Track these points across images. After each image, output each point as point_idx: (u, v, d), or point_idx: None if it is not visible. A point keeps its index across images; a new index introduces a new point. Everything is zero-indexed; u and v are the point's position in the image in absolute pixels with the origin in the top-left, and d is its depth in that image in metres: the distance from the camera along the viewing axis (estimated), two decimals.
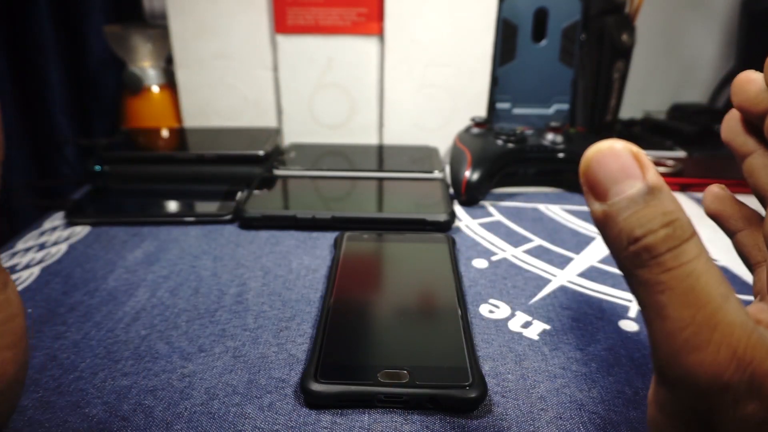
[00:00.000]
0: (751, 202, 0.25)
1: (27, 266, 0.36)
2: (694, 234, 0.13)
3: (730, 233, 0.23)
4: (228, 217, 0.42)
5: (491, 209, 0.46)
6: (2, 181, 0.21)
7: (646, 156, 0.14)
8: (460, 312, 0.29)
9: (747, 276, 0.36)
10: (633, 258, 0.13)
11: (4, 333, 0.17)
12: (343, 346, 0.26)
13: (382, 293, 0.31)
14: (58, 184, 0.74)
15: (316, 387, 0.24)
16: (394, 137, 0.57)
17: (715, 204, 0.23)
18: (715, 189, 0.22)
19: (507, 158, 0.47)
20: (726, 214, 0.23)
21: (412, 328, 0.28)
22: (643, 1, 0.57)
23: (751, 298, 0.33)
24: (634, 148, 0.14)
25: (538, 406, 0.24)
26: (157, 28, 0.57)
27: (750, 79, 0.19)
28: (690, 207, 0.47)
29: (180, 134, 0.56)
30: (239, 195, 0.45)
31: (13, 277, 0.35)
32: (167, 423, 0.23)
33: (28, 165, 0.73)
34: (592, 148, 0.14)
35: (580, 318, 0.31)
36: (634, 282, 0.14)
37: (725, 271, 0.36)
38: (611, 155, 0.14)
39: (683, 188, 0.50)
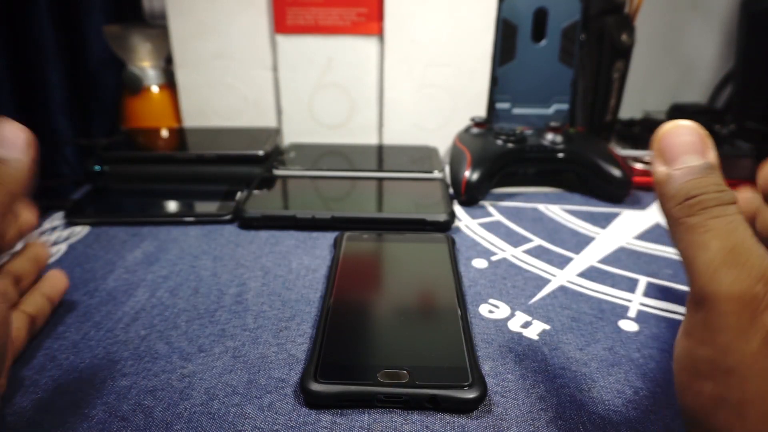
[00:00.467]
0: None
1: None
2: (736, 200, 0.17)
3: None
4: (228, 217, 0.42)
5: (491, 209, 0.46)
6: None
7: (710, 139, 0.18)
8: (459, 312, 0.29)
9: None
10: (687, 209, 0.17)
11: None
12: (343, 346, 0.26)
13: (382, 293, 0.31)
14: (58, 184, 0.74)
15: (316, 387, 0.24)
16: (394, 137, 0.57)
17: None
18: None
19: (507, 158, 0.47)
20: None
21: (412, 328, 0.28)
22: (643, 1, 0.57)
23: None
24: (704, 131, 0.18)
25: (538, 406, 0.24)
26: (157, 28, 0.57)
27: None
28: None
29: (180, 134, 0.56)
30: (239, 195, 0.45)
31: None
32: (167, 423, 0.23)
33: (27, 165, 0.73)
34: (670, 122, 0.18)
35: (580, 318, 0.31)
36: (681, 228, 0.17)
37: None
38: (686, 131, 0.18)
39: None
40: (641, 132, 0.67)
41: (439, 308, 0.30)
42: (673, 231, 0.18)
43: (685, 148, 0.17)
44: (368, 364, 0.25)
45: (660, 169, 0.18)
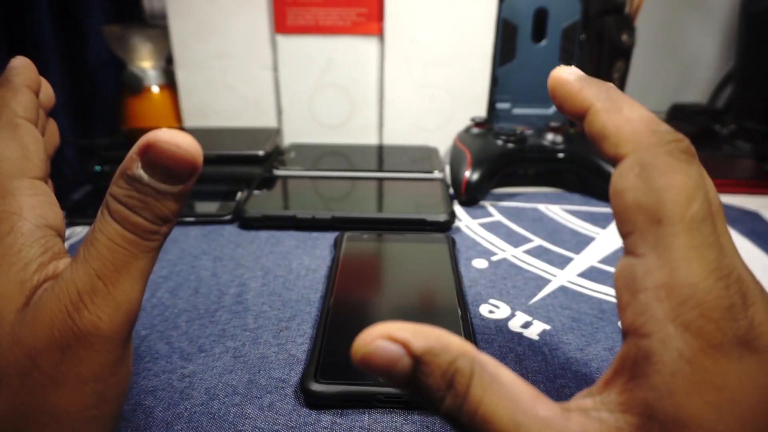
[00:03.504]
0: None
1: None
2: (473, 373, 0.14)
3: None
4: (228, 217, 0.42)
5: (491, 209, 0.46)
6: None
7: (403, 331, 0.15)
8: (460, 312, 0.29)
9: None
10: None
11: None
12: (343, 346, 0.26)
13: (382, 293, 0.31)
14: (58, 184, 0.74)
15: (316, 387, 0.24)
16: (394, 137, 0.57)
17: None
18: None
19: (507, 158, 0.47)
20: None
21: None
22: (643, 1, 0.57)
23: None
24: (390, 334, 0.15)
25: None
26: (157, 28, 0.57)
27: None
28: None
29: None
30: (239, 195, 0.45)
31: None
32: (167, 423, 0.23)
33: None
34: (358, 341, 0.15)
35: (580, 318, 0.31)
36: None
37: None
38: (371, 356, 0.15)
39: None
40: None
41: (439, 308, 0.30)
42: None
43: (385, 366, 0.15)
44: None
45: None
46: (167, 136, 0.16)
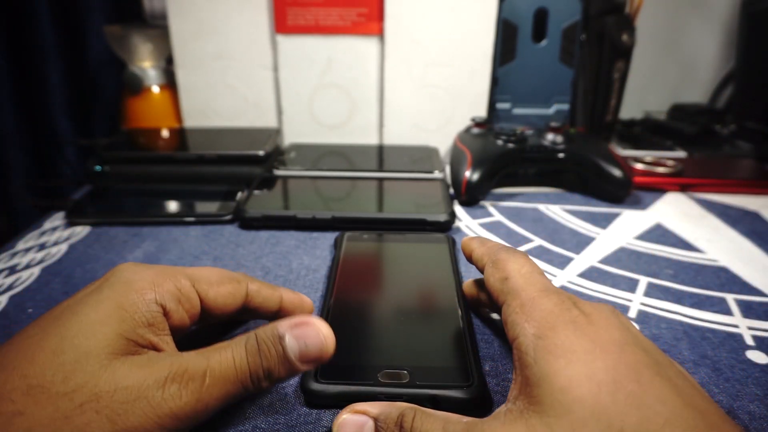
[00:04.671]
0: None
1: (27, 266, 0.36)
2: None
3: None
4: (228, 217, 0.42)
5: (491, 209, 0.46)
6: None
7: (362, 405, 0.21)
8: (460, 312, 0.29)
9: (748, 276, 0.36)
10: None
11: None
12: (344, 346, 0.26)
13: (383, 293, 0.31)
14: (58, 184, 0.74)
15: (317, 387, 0.24)
16: (394, 137, 0.57)
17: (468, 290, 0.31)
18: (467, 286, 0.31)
19: (507, 158, 0.47)
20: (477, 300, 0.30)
21: (413, 328, 0.28)
22: (643, 1, 0.57)
23: (756, 299, 0.33)
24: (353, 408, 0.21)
25: None
26: (157, 28, 0.57)
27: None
28: (690, 207, 0.47)
29: (180, 134, 0.56)
30: (239, 195, 0.45)
31: (14, 277, 0.35)
32: None
33: (28, 165, 0.73)
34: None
35: None
36: None
37: (725, 271, 0.36)
38: (344, 425, 0.21)
39: (683, 188, 0.50)
40: (642, 132, 0.67)
41: (439, 308, 0.30)
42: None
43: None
44: (369, 364, 0.25)
45: None
46: (322, 327, 0.22)
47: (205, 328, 0.28)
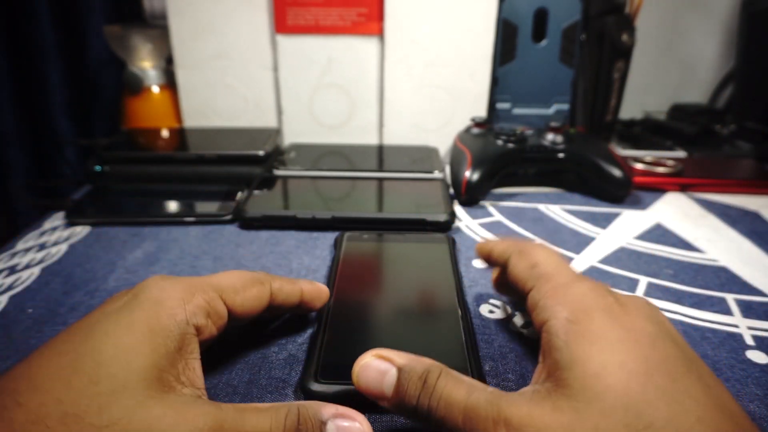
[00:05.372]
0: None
1: (27, 266, 0.36)
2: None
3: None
4: (228, 217, 0.42)
5: (491, 209, 0.46)
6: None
7: (388, 352, 0.21)
8: (460, 312, 0.29)
9: (748, 276, 0.36)
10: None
11: None
12: (344, 346, 0.26)
13: (383, 293, 0.31)
14: (58, 184, 0.74)
15: (317, 387, 0.24)
16: (394, 137, 0.57)
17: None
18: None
19: (507, 158, 0.47)
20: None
21: (413, 329, 0.28)
22: (643, 1, 0.57)
23: (756, 299, 0.33)
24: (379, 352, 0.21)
25: None
26: (157, 28, 0.57)
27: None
28: (690, 207, 0.47)
29: (180, 134, 0.56)
30: (239, 195, 0.45)
31: (13, 277, 0.35)
32: None
33: (28, 165, 0.73)
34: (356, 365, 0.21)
35: None
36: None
37: (725, 271, 0.36)
38: (371, 367, 0.21)
39: (683, 188, 0.50)
40: (642, 132, 0.67)
41: (440, 308, 0.30)
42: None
43: (375, 381, 0.21)
44: None
45: (384, 404, 0.21)
46: (364, 424, 0.20)
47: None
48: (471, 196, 0.46)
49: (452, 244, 0.37)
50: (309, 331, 0.29)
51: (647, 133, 0.67)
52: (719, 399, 0.17)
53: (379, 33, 0.53)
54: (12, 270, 0.36)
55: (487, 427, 0.18)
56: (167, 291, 0.22)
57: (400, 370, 0.20)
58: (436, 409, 0.19)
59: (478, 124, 0.51)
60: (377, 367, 0.20)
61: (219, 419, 0.19)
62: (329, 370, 0.24)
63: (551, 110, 0.58)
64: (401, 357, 0.21)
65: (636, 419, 0.16)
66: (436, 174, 0.49)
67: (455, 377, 0.20)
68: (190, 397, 0.20)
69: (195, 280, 0.23)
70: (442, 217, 0.40)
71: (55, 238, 0.40)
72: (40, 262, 0.37)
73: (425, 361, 0.20)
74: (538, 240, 0.40)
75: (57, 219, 0.43)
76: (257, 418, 0.20)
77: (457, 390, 0.19)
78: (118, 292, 0.23)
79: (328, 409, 0.21)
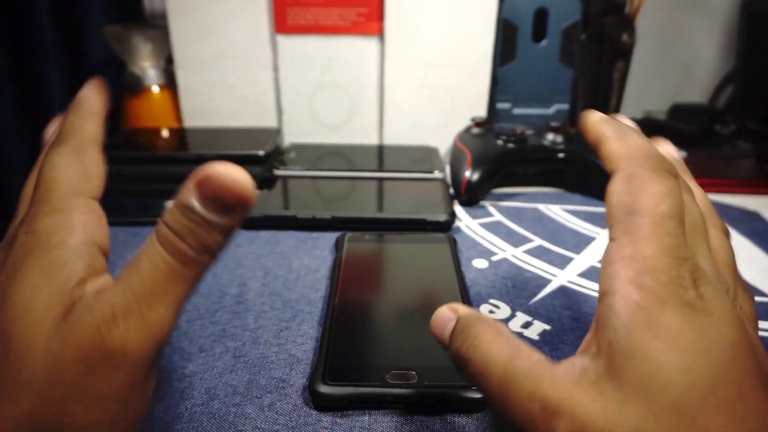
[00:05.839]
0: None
1: None
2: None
3: None
4: None
5: (491, 209, 0.46)
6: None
7: (456, 305, 0.21)
8: None
9: (748, 276, 0.36)
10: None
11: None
12: (350, 348, 0.26)
13: (387, 294, 0.31)
14: None
15: (324, 389, 0.24)
16: (394, 137, 0.57)
17: None
18: None
19: (507, 158, 0.47)
20: None
21: (418, 329, 0.28)
22: (643, 1, 0.57)
23: (756, 298, 0.33)
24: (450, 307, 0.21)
25: None
26: (157, 28, 0.57)
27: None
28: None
29: (180, 134, 0.56)
30: None
31: None
32: (167, 423, 0.23)
33: (28, 165, 0.73)
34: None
35: (580, 318, 0.31)
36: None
37: None
38: (439, 316, 0.21)
39: None
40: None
41: None
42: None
43: (441, 327, 0.21)
44: (376, 365, 0.25)
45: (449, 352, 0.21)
46: (225, 170, 0.18)
47: None
48: (471, 196, 0.46)
49: (453, 243, 0.37)
50: (309, 331, 0.29)
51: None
52: None
53: (379, 33, 0.53)
54: None
55: (521, 400, 0.17)
56: (41, 230, 0.19)
57: (458, 320, 0.20)
58: (476, 365, 0.18)
59: (478, 124, 0.51)
60: (444, 315, 0.21)
61: (107, 308, 0.17)
62: (337, 372, 0.24)
63: (551, 110, 0.58)
64: (464, 309, 0.21)
65: (689, 426, 0.15)
66: (436, 174, 0.49)
67: (503, 336, 0.19)
68: (82, 304, 0.17)
69: (50, 204, 0.19)
70: (442, 217, 0.40)
71: None
72: None
73: (480, 316, 0.20)
74: (537, 240, 0.40)
75: None
76: (138, 270, 0.18)
77: (500, 350, 0.18)
78: None
79: (183, 191, 0.18)
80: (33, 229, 0.19)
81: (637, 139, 0.21)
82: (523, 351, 0.18)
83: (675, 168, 0.20)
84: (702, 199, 0.23)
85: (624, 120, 0.24)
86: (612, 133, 0.22)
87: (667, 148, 0.26)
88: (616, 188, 0.20)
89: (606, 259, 0.19)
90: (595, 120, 0.23)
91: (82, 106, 0.23)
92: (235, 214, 0.18)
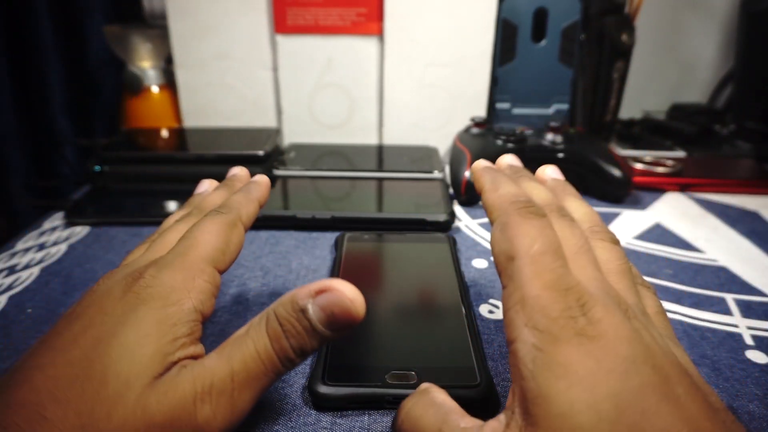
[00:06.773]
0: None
1: (27, 266, 0.36)
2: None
3: None
4: None
5: None
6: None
7: None
8: (464, 311, 0.29)
9: (747, 276, 0.36)
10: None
11: None
12: (350, 348, 0.26)
13: (386, 294, 0.31)
14: (58, 184, 0.74)
15: (324, 389, 0.24)
16: (393, 137, 0.57)
17: None
18: None
19: None
20: None
21: (418, 329, 0.28)
22: (642, 1, 0.57)
23: (756, 298, 0.33)
24: None
25: None
26: (157, 28, 0.57)
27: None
28: (690, 207, 0.47)
29: (180, 134, 0.56)
30: None
31: (13, 277, 0.35)
32: None
33: (28, 165, 0.73)
34: None
35: None
36: None
37: (724, 271, 0.36)
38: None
39: (683, 188, 0.50)
40: (641, 132, 0.67)
41: (444, 308, 0.30)
42: None
43: None
44: (376, 365, 0.25)
45: None
46: (346, 290, 0.20)
47: None
48: (470, 196, 0.46)
49: (453, 243, 0.37)
50: None
51: (647, 133, 0.67)
52: (695, 423, 0.16)
53: (379, 33, 0.53)
54: (11, 270, 0.36)
55: None
56: (168, 282, 0.21)
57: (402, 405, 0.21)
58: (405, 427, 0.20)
59: (477, 124, 0.51)
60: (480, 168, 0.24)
61: (206, 379, 0.19)
62: (337, 373, 0.24)
63: (551, 110, 0.58)
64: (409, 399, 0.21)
65: None
66: (436, 174, 0.49)
67: (434, 405, 0.20)
68: (176, 373, 0.19)
69: (189, 258, 0.22)
70: (442, 217, 0.40)
71: (54, 238, 0.40)
72: (40, 262, 0.37)
73: (421, 390, 0.21)
74: None
75: (56, 219, 0.43)
76: (241, 350, 0.19)
77: (430, 419, 0.19)
78: (106, 283, 0.22)
79: (302, 292, 0.20)
80: (161, 280, 0.21)
81: (507, 188, 0.23)
82: (451, 418, 0.19)
83: (543, 209, 0.21)
84: (584, 216, 0.24)
85: (508, 161, 0.29)
86: (488, 184, 0.24)
87: (546, 173, 0.30)
88: (494, 238, 0.21)
89: (503, 308, 0.19)
90: (476, 170, 0.26)
91: (251, 191, 0.26)
92: (341, 332, 0.20)
